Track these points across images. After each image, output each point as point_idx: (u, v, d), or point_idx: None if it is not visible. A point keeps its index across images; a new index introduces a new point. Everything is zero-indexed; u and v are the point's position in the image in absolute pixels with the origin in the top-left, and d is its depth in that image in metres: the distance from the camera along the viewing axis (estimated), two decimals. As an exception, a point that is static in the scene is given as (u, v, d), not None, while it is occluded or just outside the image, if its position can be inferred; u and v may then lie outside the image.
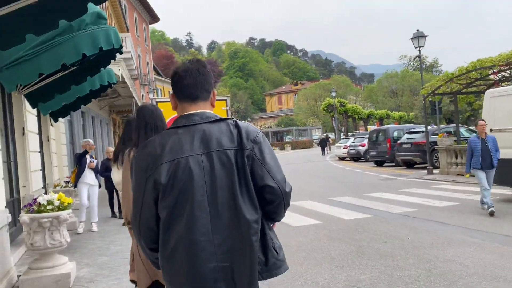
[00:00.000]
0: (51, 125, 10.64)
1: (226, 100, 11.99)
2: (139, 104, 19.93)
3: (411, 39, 14.72)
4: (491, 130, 8.45)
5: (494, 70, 12.13)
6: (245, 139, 1.65)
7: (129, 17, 36.15)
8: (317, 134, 69.61)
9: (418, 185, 12.12)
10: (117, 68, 12.07)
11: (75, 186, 8.14)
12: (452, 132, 17.13)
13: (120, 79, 12.84)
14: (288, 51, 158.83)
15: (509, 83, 14.66)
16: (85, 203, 8.03)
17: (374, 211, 8.50)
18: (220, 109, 11.75)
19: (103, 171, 9.31)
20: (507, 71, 12.09)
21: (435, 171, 14.80)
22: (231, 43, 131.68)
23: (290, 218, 8.32)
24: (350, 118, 39.95)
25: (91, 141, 8.65)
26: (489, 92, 8.67)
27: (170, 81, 1.82)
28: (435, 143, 15.38)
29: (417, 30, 14.66)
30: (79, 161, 8.18)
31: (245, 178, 1.63)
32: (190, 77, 1.72)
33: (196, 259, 1.58)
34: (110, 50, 6.56)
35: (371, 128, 55.37)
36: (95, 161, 8.32)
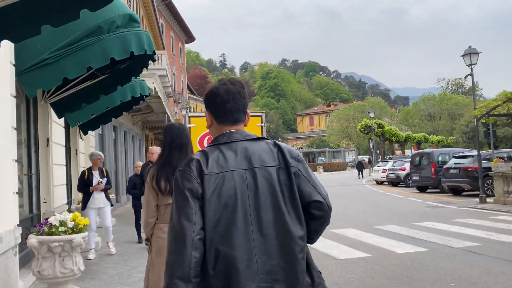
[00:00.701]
0: (81, 138, 10.23)
1: (261, 116, 11.27)
2: (172, 120, 19.61)
3: (463, 56, 13.64)
4: None
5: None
6: (289, 157, 1.66)
7: (165, 36, 36.59)
8: (350, 157, 67.99)
9: (473, 215, 10.89)
10: (150, 81, 11.66)
11: (83, 209, 7.10)
12: (506, 158, 15.74)
13: (154, 93, 12.42)
14: (321, 73, 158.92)
15: None
16: (94, 228, 7.04)
17: (429, 244, 7.44)
18: (254, 126, 11.06)
19: (131, 189, 8.74)
20: None
21: (488, 199, 13.45)
22: (264, 64, 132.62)
23: (334, 249, 7.39)
24: (387, 140, 38.52)
25: (100, 153, 7.61)
26: None
27: (203, 99, 1.82)
28: (488, 169, 14.06)
29: (469, 47, 13.60)
30: (83, 184, 7.08)
31: (291, 195, 1.61)
32: (233, 101, 1.72)
33: (237, 278, 1.51)
34: (142, 56, 5.99)
35: (408, 151, 53.63)
36: (103, 180, 7.08)
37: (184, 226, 1.55)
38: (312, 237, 1.75)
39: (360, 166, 34.02)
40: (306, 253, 1.64)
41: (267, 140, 1.72)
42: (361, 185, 26.44)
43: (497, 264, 5.97)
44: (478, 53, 13.49)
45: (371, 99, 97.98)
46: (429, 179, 18.16)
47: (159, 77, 15.96)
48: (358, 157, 59.96)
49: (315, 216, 1.67)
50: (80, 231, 3.85)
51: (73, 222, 3.81)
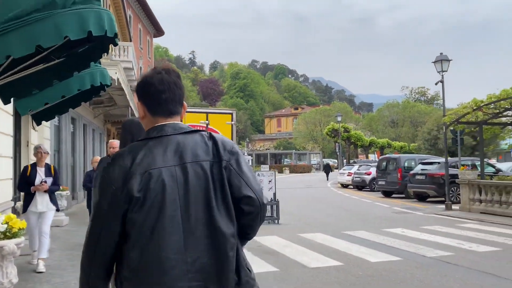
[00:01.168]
0: (33, 128, 9.37)
1: (231, 114, 10.82)
2: (137, 115, 18.74)
3: (434, 62, 13.67)
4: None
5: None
6: (222, 150, 1.61)
7: (133, 28, 35.35)
8: (315, 159, 68.59)
9: (440, 222, 10.82)
10: (113, 70, 10.90)
11: (23, 212, 5.92)
12: (470, 165, 15.98)
13: (116, 84, 11.66)
14: (290, 76, 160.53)
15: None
16: (34, 232, 5.86)
17: (402, 253, 7.17)
18: (224, 124, 10.60)
19: (87, 182, 8.08)
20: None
21: (454, 206, 13.52)
22: (234, 64, 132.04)
23: (304, 255, 6.99)
24: (352, 144, 38.90)
25: (43, 146, 6.33)
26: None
27: (135, 88, 1.76)
28: (454, 176, 14.17)
29: (441, 53, 13.64)
30: (24, 182, 5.93)
31: (222, 190, 1.58)
32: (169, 91, 1.64)
33: (166, 278, 1.47)
34: (101, 39, 5.35)
35: (371, 156, 54.57)
36: (48, 180, 5.91)
37: (99, 230, 1.54)
38: (247, 232, 1.68)
39: (327, 169, 34.20)
40: (237, 250, 1.60)
41: (202, 133, 1.66)
42: (326, 187, 26.40)
43: (473, 276, 5.74)
44: (449, 60, 13.55)
45: (337, 103, 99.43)
46: (395, 184, 18.22)
47: (124, 70, 15.16)
48: (326, 160, 60.39)
49: (245, 211, 1.62)
50: (14, 236, 3.21)
51: (5, 225, 3.17)
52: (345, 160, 32.93)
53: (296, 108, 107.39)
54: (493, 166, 16.70)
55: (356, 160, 36.69)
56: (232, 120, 10.63)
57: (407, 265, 6.33)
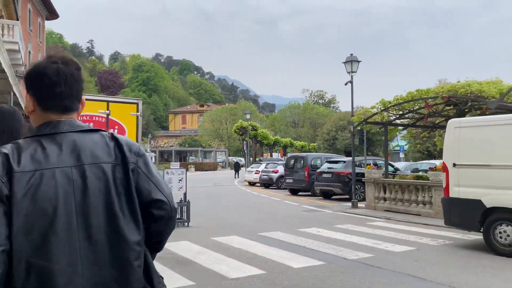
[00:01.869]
0: None
1: (137, 104, 9.64)
2: (22, 103, 16.28)
3: (344, 63, 13.90)
4: (454, 165, 7.43)
5: (430, 103, 11.62)
6: (128, 151, 1.48)
7: (21, 7, 31.29)
8: (221, 157, 68.37)
9: (350, 221, 10.88)
10: (-9, 47, 9.02)
11: None
12: (372, 164, 16.69)
13: (-5, 63, 9.71)
14: (195, 72, 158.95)
15: (439, 118, 14.54)
16: None
17: (323, 256, 6.82)
18: (128, 115, 9.39)
19: None
20: (442, 105, 11.66)
21: (359, 204, 13.89)
22: (136, 56, 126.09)
23: (221, 263, 6.24)
24: (258, 143, 39.19)
25: None
26: (454, 121, 7.72)
27: (23, 78, 1.54)
28: (359, 174, 14.61)
29: (351, 54, 13.92)
30: None
31: (127, 195, 1.43)
32: (65, 84, 1.46)
33: None
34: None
35: (275, 155, 55.86)
36: None
37: None
38: (157, 241, 1.55)
39: (237, 167, 33.99)
40: (144, 258, 1.46)
41: (103, 133, 1.51)
42: (234, 185, 26.00)
43: (399, 280, 5.52)
44: (358, 62, 13.88)
45: (243, 102, 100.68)
46: (302, 182, 18.39)
47: (8, 52, 12.95)
48: (232, 157, 60.40)
49: (156, 216, 1.50)
50: None
51: None
52: (251, 158, 32.93)
53: (202, 105, 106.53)
54: (392, 166, 17.66)
55: (262, 159, 37.05)
56: (137, 111, 9.47)
57: (332, 270, 5.95)
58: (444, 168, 7.61)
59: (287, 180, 19.28)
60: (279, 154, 59.04)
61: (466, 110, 13.76)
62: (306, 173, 18.20)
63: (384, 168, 13.90)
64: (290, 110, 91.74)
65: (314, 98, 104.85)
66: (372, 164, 14.00)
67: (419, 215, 11.59)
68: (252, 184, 26.44)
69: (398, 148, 47.41)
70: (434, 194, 11.27)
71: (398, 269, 5.96)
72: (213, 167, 52.11)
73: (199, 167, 48.38)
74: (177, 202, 10.02)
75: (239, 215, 12.09)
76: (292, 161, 19.64)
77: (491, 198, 6.86)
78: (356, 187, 15.99)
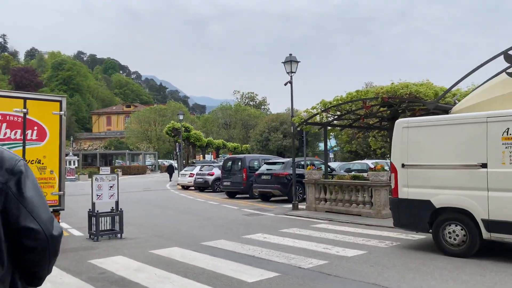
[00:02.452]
0: None
1: (60, 101, 8.49)
2: None
3: (284, 63, 13.63)
4: (402, 165, 7.33)
5: (369, 103, 11.70)
6: None
7: None
8: (150, 160, 65.84)
9: (294, 224, 10.55)
10: None
11: None
12: (309, 165, 16.65)
13: None
14: (121, 72, 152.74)
15: (373, 119, 14.80)
16: None
17: (276, 266, 6.33)
18: (50, 114, 8.22)
19: None
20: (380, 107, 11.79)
21: (300, 205, 13.69)
22: (56, 53, 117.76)
23: (165, 282, 5.50)
24: (191, 145, 38.10)
25: None
26: (401, 121, 7.64)
27: None
28: (300, 176, 14.43)
29: (290, 54, 13.69)
30: None
31: None
32: None
33: None
34: None
35: (207, 157, 54.96)
36: None
37: None
38: (33, 273, 1.39)
39: (171, 170, 32.71)
40: None
41: None
42: (166, 190, 24.82)
43: (360, 289, 5.19)
44: (297, 62, 13.68)
45: (172, 103, 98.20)
46: (240, 185, 17.90)
47: None
48: (166, 161, 58.34)
49: (27, 247, 1.35)
50: None
51: None
52: (183, 161, 31.85)
53: (129, 106, 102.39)
54: (329, 166, 17.77)
55: (195, 161, 36.05)
56: (61, 110, 8.35)
57: (290, 282, 5.47)
58: (393, 169, 7.50)
59: (224, 183, 18.67)
60: (212, 156, 58.36)
61: (400, 111, 14.16)
62: (244, 175, 17.73)
63: (323, 169, 13.84)
64: (221, 111, 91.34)
65: (245, 99, 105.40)
66: (312, 165, 13.87)
67: (360, 215, 11.60)
68: (185, 187, 25.45)
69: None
70: (374, 194, 11.34)
71: (358, 277, 5.63)
72: (141, 170, 49.90)
73: (127, 171, 46.00)
74: (108, 212, 9.01)
75: (176, 222, 11.27)
76: (229, 163, 19.06)
77: (440, 198, 6.83)
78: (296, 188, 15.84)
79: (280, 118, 47.06)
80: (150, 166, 56.50)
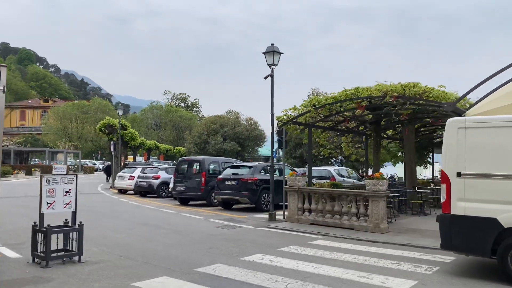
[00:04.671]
0: None
1: None
2: None
3: (265, 53, 11.96)
4: (458, 174, 6.01)
5: (362, 104, 10.46)
6: None
7: None
8: (71, 160, 60.19)
9: (290, 241, 8.88)
10: None
11: None
12: (278, 170, 15.11)
13: None
14: (38, 64, 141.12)
15: (354, 122, 13.63)
16: None
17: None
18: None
19: None
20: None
21: (277, 216, 12.07)
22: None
23: None
24: (125, 144, 34.75)
25: None
26: (456, 121, 6.34)
27: None
28: (266, 181, 12.85)
29: (272, 44, 12.07)
30: None
31: None
32: None
33: None
34: None
35: (138, 158, 51.30)
36: None
37: None
38: None
39: (109, 170, 29.35)
40: None
41: None
42: (101, 193, 21.79)
43: None
44: (280, 53, 12.08)
45: (97, 100, 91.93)
46: (198, 190, 15.81)
47: None
48: (92, 161, 53.31)
49: None
50: None
51: None
52: (121, 162, 28.64)
53: (47, 100, 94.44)
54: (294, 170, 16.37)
55: (128, 162, 32.85)
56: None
57: None
58: (444, 179, 6.16)
59: (178, 188, 16.42)
60: (143, 157, 54.61)
61: (382, 116, 13.15)
62: (202, 179, 15.67)
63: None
64: (151, 111, 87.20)
65: (176, 100, 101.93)
66: (295, 171, 12.30)
67: (353, 228, 10.26)
68: (123, 192, 22.62)
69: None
70: (371, 206, 10.04)
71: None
72: (64, 171, 44.84)
73: (47, 171, 40.99)
74: (62, 226, 6.65)
75: (142, 237, 9.02)
76: (184, 166, 16.84)
77: (511, 216, 5.60)
78: (264, 196, 14.21)
79: (221, 120, 45.12)
80: (72, 166, 51.30)
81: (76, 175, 6.91)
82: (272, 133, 12.07)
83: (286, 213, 11.80)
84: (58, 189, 6.52)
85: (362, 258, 7.16)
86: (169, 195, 20.10)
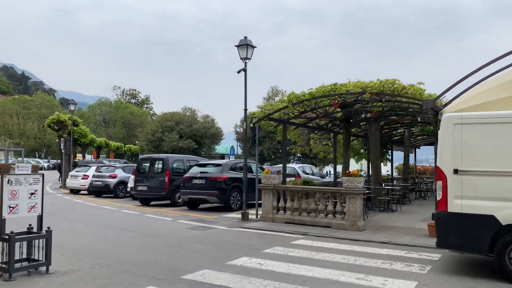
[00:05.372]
0: None
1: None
2: None
3: (238, 46, 11.47)
4: (455, 171, 5.91)
5: (338, 101, 10.29)
6: None
7: None
8: (12, 157, 56.29)
9: (270, 241, 8.51)
10: None
11: None
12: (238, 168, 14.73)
13: None
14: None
15: (325, 119, 13.48)
16: None
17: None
18: None
19: None
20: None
21: (250, 215, 11.67)
22: None
23: None
24: (76, 142, 32.85)
25: None
26: (452, 117, 6.20)
27: None
28: (235, 180, 12.40)
29: (245, 37, 11.60)
30: None
31: None
32: None
33: None
34: None
35: (88, 156, 48.92)
36: None
37: None
38: None
39: (60, 169, 27.58)
40: None
41: None
42: (50, 194, 20.30)
43: None
44: (254, 47, 11.65)
45: (41, 95, 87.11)
46: (162, 190, 15.03)
47: None
48: (35, 159, 49.98)
49: None
50: None
51: None
52: (72, 161, 26.87)
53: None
54: (262, 168, 16.04)
55: (77, 160, 31.08)
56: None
57: None
58: (440, 176, 6.04)
59: (139, 188, 15.54)
60: (92, 155, 52.08)
61: (352, 113, 13.13)
62: (166, 178, 14.93)
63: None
64: (100, 107, 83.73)
65: (126, 96, 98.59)
66: (269, 169, 11.92)
67: (329, 226, 10.08)
68: (75, 192, 21.25)
69: (229, 151, 47.31)
70: (348, 203, 9.90)
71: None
72: (5, 170, 41.81)
73: (-14, 170, 37.92)
74: (26, 233, 5.86)
75: (111, 242, 8.27)
76: (145, 164, 15.98)
77: (508, 213, 5.56)
78: (233, 195, 13.76)
79: (176, 117, 43.86)
80: (14, 165, 47.89)
81: (43, 174, 6.11)
82: (245, 130, 11.62)
83: (260, 212, 11.43)
84: (22, 191, 5.72)
85: (351, 258, 6.93)
86: (127, 195, 19.13)
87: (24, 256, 5.83)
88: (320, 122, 12.53)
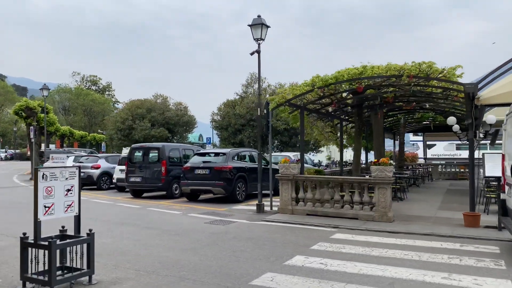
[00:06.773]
0: None
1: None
2: None
3: (251, 25, 10.58)
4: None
5: (364, 84, 9.72)
6: None
7: None
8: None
9: (306, 237, 7.87)
10: None
11: None
12: (247, 157, 13.96)
13: None
14: None
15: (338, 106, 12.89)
16: None
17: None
18: None
19: None
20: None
21: (266, 207, 10.96)
22: None
23: None
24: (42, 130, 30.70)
25: None
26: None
27: None
28: (240, 169, 11.60)
29: (259, 16, 10.72)
30: None
31: None
32: None
33: None
34: None
35: (51, 146, 46.26)
36: None
37: None
38: None
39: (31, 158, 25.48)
40: None
41: None
42: (24, 186, 18.68)
43: None
44: (268, 27, 10.81)
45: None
46: (157, 181, 14.01)
47: None
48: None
49: None
50: None
51: None
52: (16, 151, 24.96)
53: None
54: (265, 159, 15.34)
55: (47, 149, 29.13)
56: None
57: None
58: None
59: (132, 179, 14.41)
60: (56, 145, 49.30)
61: (364, 99, 12.66)
62: (163, 169, 13.90)
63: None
64: (59, 94, 79.68)
65: (86, 83, 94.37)
66: (287, 157, 11.22)
67: (357, 218, 9.56)
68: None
69: (204, 140, 46.07)
70: (378, 194, 9.41)
71: None
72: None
73: None
74: (62, 237, 4.89)
75: (133, 241, 7.32)
76: (138, 154, 14.84)
77: None
78: (238, 185, 13.00)
79: (147, 105, 42.06)
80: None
81: (79, 167, 5.11)
82: (260, 115, 10.83)
83: (276, 203, 10.74)
84: (58, 187, 4.73)
85: (412, 254, 6.41)
86: (111, 186, 17.92)
87: (58, 264, 4.86)
88: (332, 108, 11.95)
